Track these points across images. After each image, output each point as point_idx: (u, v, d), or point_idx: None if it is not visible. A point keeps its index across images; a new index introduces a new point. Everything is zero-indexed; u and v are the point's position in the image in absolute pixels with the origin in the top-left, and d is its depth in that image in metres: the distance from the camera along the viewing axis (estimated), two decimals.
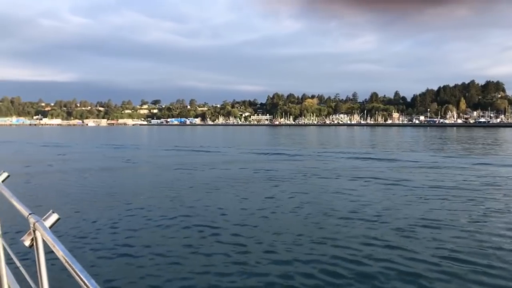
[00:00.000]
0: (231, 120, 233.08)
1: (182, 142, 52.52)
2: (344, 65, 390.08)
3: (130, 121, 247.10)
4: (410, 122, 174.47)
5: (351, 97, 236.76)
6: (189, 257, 7.51)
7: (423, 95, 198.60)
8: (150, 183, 16.90)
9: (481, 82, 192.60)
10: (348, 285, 6.29)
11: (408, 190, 14.48)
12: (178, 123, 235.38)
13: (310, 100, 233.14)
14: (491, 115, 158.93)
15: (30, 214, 1.57)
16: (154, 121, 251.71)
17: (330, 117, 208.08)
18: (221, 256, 7.50)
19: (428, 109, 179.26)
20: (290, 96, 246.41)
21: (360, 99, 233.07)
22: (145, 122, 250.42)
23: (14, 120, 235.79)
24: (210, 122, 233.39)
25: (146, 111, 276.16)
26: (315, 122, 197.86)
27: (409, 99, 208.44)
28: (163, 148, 40.21)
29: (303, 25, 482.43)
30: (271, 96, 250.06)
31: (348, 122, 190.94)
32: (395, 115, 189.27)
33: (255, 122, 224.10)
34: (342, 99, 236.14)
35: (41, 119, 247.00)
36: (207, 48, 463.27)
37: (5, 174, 2.41)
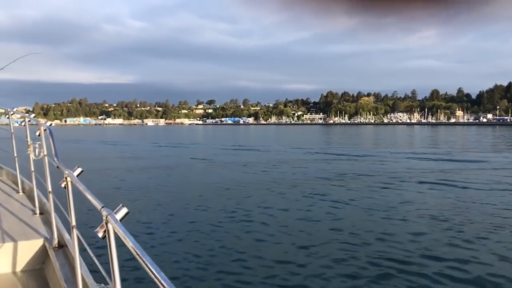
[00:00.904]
0: (284, 119, 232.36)
1: (238, 141, 52.76)
2: (401, 62, 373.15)
3: (186, 121, 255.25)
4: (477, 120, 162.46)
5: (409, 94, 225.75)
6: (252, 252, 7.67)
7: (490, 91, 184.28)
8: (210, 181, 16.93)
9: None
10: None
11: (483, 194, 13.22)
12: (232, 123, 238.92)
13: (366, 98, 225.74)
14: None
15: (102, 207, 1.65)
16: (209, 121, 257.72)
17: (388, 115, 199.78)
18: (280, 256, 7.49)
19: (498, 107, 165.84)
20: (345, 94, 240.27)
21: (420, 96, 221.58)
22: (200, 122, 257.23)
23: (81, 120, 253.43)
24: (263, 122, 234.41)
25: (201, 111, 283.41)
26: (372, 121, 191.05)
27: (474, 96, 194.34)
28: (221, 147, 40.56)
29: (357, 21, 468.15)
30: (324, 94, 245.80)
31: (408, 121, 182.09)
32: (459, 113, 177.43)
33: (308, 121, 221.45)
34: (400, 97, 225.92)
35: (105, 119, 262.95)
36: (259, 47, 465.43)
37: (79, 170, 2.54)
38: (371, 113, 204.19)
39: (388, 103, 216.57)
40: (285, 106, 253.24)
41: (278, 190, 14.66)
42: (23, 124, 4.76)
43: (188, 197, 13.23)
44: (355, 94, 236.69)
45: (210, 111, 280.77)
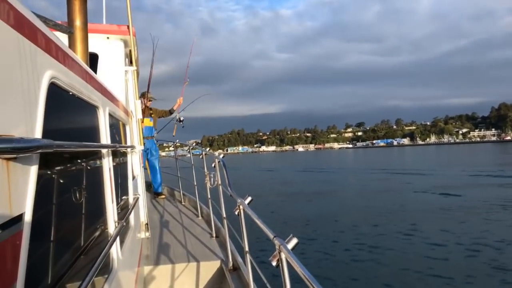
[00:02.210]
0: (446, 138, 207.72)
1: (395, 165, 47.95)
2: None
3: (336, 145, 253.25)
4: None
5: None
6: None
7: None
8: (370, 206, 16.18)
9: None
10: None
11: None
12: (384, 145, 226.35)
13: None
14: None
15: (275, 237, 1.71)
16: (359, 144, 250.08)
17: None
18: None
19: None
20: None
21: None
22: (350, 145, 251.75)
23: (240, 148, 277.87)
24: (420, 142, 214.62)
25: (350, 134, 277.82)
26: None
27: None
28: (375, 171, 37.22)
29: None
30: (495, 107, 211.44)
31: None
32: None
33: (478, 139, 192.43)
34: None
35: (259, 146, 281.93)
36: (408, 64, 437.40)
37: (249, 198, 2.67)
38: None
39: None
40: (446, 123, 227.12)
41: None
42: (200, 156, 5.54)
43: (347, 224, 12.78)
44: None
45: (359, 133, 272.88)
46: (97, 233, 1.75)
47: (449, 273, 7.64)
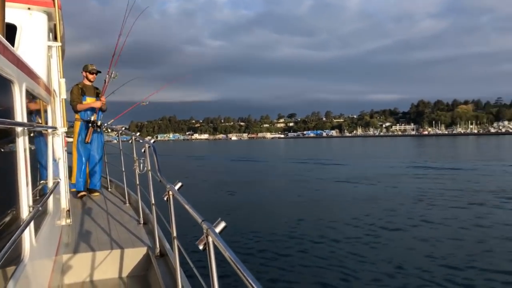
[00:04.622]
0: (371, 131, 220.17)
1: (322, 155, 48.75)
2: (499, 65, 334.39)
3: (268, 135, 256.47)
4: None
5: None
6: (351, 265, 7.56)
7: None
8: (301, 196, 16.34)
9: None
10: None
11: None
12: (314, 136, 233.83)
13: (463, 106, 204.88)
14: None
15: (203, 221, 1.70)
16: (290, 134, 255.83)
17: (497, 124, 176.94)
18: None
19: None
20: (438, 102, 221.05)
21: None
22: (282, 136, 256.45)
23: (171, 136, 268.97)
24: (347, 134, 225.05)
25: (282, 125, 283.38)
26: (475, 131, 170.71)
27: None
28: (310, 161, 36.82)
29: (445, 24, 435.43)
30: (415, 103, 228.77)
31: None
32: None
33: (399, 133, 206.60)
34: (506, 104, 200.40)
35: (192, 134, 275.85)
36: (337, 59, 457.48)
37: (179, 184, 2.67)
38: (470, 122, 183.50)
39: (490, 111, 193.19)
40: (371, 117, 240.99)
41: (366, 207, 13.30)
42: (129, 141, 5.34)
43: (278, 212, 12.98)
44: (449, 103, 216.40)
45: (291, 124, 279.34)
46: (7, 219, 1.61)
47: (358, 255, 8.04)
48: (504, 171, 23.65)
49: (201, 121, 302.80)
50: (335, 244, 8.95)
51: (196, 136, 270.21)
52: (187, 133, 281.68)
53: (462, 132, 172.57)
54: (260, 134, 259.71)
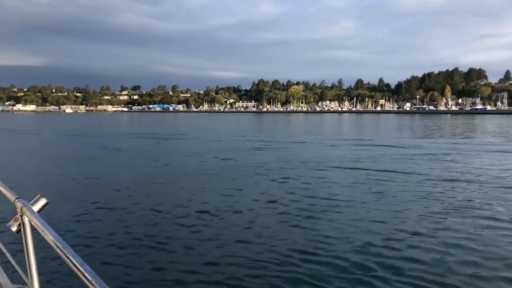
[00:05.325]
0: (216, 106, 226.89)
1: (167, 129, 48.09)
2: (325, 52, 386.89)
3: (110, 108, 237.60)
4: (401, 109, 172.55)
5: (336, 84, 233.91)
6: (175, 242, 7.41)
7: (408, 82, 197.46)
8: (132, 172, 15.86)
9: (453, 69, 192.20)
10: None
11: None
12: (160, 110, 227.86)
13: (295, 87, 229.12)
14: (477, 101, 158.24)
15: (16, 198, 1.51)
16: (135, 108, 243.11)
17: (321, 103, 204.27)
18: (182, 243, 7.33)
19: (417, 96, 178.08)
20: (276, 82, 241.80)
21: (345, 85, 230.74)
22: (126, 109, 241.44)
23: None
24: (194, 109, 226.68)
25: (126, 97, 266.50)
26: (305, 109, 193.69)
27: (393, 86, 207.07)
28: (149, 135, 35.57)
29: (282, 10, 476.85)
30: (256, 82, 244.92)
31: (339, 109, 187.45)
32: (381, 101, 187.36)
33: (242, 109, 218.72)
34: (328, 86, 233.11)
35: (14, 105, 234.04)
36: (184, 32, 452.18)
37: None
38: (301, 101, 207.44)
39: (316, 92, 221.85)
40: (217, 93, 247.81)
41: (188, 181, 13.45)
42: None
43: (102, 189, 12.29)
44: (285, 83, 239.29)
45: (136, 97, 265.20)
46: None
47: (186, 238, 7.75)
48: (321, 144, 27.41)
49: (26, 89, 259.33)
50: (163, 219, 8.94)
51: (19, 107, 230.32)
52: (6, 103, 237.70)
53: (294, 109, 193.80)
54: (100, 107, 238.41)
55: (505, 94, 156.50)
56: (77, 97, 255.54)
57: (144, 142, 29.89)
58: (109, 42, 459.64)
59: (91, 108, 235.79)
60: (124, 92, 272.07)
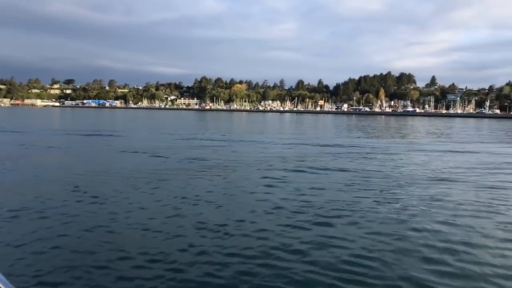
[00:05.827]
0: (157, 103, 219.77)
1: (102, 126, 45.40)
2: (267, 52, 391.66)
3: (39, 102, 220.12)
4: (339, 109, 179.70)
5: (278, 84, 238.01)
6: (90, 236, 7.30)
7: (345, 84, 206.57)
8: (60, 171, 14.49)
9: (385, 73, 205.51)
10: None
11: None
12: (96, 105, 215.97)
13: (238, 86, 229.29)
14: (407, 104, 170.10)
15: None
16: (68, 103, 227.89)
17: (264, 103, 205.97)
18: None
19: (354, 98, 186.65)
20: (219, 80, 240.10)
21: (287, 86, 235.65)
22: (57, 104, 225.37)
23: None
24: (132, 105, 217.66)
25: (58, 91, 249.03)
26: (248, 108, 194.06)
27: (331, 88, 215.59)
28: (82, 132, 33.12)
29: (225, 7, 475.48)
30: (198, 79, 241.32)
31: (281, 109, 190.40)
32: (321, 102, 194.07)
33: (184, 106, 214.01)
34: (270, 86, 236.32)
35: None
36: (121, 25, 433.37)
37: None
38: (244, 100, 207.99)
39: (259, 91, 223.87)
40: (157, 89, 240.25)
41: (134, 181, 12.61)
42: None
43: (27, 188, 11.28)
44: (228, 81, 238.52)
45: (69, 91, 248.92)
46: None
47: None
48: (262, 142, 27.59)
49: None
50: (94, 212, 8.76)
51: None
52: None
53: (237, 108, 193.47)
54: (27, 101, 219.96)
55: (432, 98, 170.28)
56: (1, 89, 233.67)
57: (73, 139, 27.50)
58: (38, 31, 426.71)
59: (17, 102, 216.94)
60: (56, 86, 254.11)
